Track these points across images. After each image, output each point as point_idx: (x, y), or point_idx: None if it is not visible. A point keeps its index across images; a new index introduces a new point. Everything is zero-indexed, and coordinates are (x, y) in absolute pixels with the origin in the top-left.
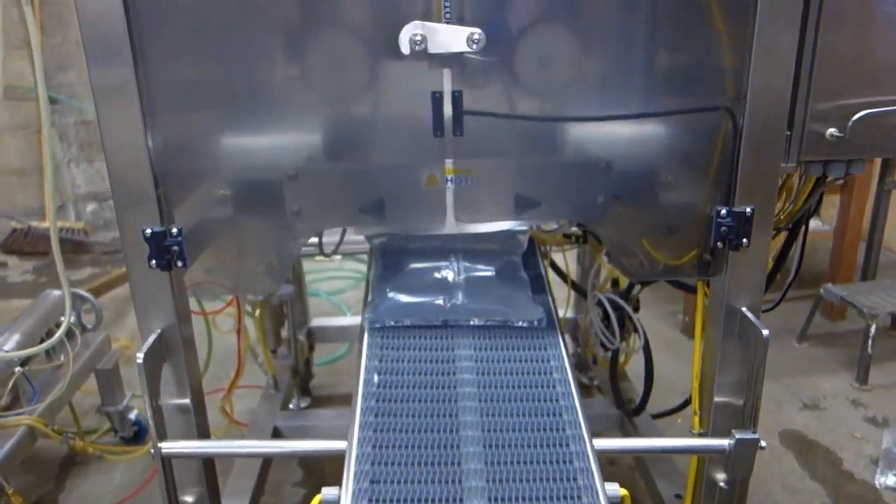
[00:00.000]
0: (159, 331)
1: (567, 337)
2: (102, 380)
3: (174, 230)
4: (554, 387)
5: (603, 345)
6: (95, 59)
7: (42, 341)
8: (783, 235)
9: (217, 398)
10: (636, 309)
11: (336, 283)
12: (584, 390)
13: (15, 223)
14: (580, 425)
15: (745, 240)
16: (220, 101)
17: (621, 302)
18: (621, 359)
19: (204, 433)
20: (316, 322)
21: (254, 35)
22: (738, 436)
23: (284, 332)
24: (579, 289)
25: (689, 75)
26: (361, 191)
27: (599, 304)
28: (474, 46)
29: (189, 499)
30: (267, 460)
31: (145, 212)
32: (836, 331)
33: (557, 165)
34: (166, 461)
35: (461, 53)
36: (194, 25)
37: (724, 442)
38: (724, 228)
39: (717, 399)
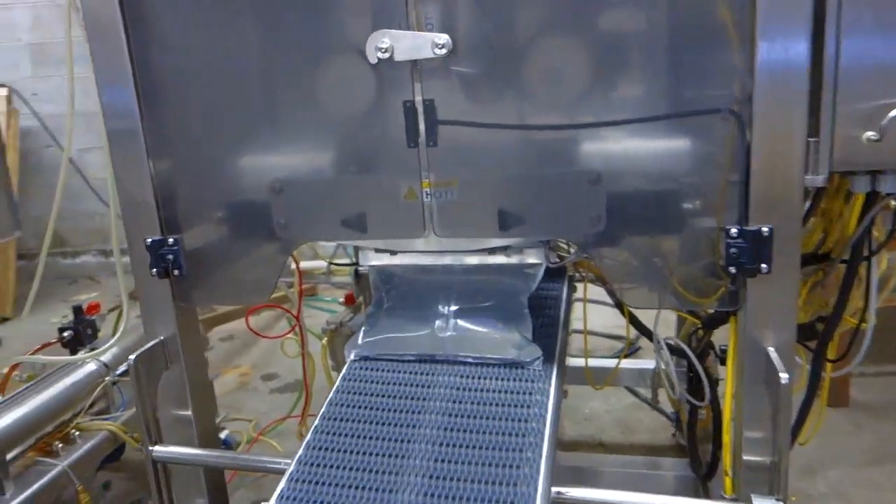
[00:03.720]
0: (162, 338)
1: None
2: None
3: (171, 240)
4: (526, 428)
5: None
6: (107, 89)
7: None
8: None
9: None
10: (723, 361)
11: None
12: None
13: None
14: (539, 468)
15: (763, 265)
16: (211, 123)
17: (684, 347)
18: (701, 416)
19: (210, 444)
20: None
21: (237, 67)
22: (756, 502)
23: None
24: (644, 329)
25: (686, 73)
26: (343, 204)
27: (669, 349)
28: (440, 52)
29: None
30: None
31: (147, 222)
32: None
33: (543, 178)
34: (158, 464)
35: (430, 60)
36: (186, 70)
37: None
38: (733, 251)
39: (745, 457)
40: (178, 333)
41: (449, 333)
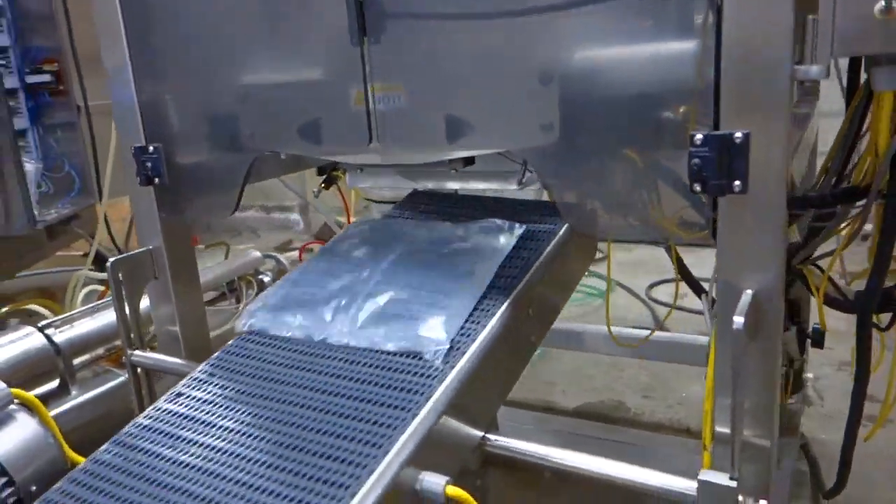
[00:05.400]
0: (150, 247)
1: None
2: None
3: (151, 147)
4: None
5: None
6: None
7: (227, 288)
8: None
9: None
10: (817, 343)
11: None
12: None
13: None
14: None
15: (736, 182)
16: (178, 30)
17: None
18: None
19: (201, 357)
20: None
21: None
22: (702, 478)
23: None
24: (696, 286)
25: None
26: (298, 112)
27: None
28: None
29: None
30: None
31: (133, 130)
32: None
33: (489, 78)
34: (137, 369)
35: None
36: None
37: (681, 483)
38: (696, 161)
39: (717, 429)
40: (163, 245)
41: (352, 312)
